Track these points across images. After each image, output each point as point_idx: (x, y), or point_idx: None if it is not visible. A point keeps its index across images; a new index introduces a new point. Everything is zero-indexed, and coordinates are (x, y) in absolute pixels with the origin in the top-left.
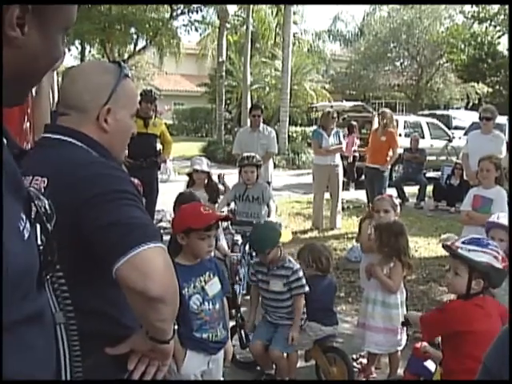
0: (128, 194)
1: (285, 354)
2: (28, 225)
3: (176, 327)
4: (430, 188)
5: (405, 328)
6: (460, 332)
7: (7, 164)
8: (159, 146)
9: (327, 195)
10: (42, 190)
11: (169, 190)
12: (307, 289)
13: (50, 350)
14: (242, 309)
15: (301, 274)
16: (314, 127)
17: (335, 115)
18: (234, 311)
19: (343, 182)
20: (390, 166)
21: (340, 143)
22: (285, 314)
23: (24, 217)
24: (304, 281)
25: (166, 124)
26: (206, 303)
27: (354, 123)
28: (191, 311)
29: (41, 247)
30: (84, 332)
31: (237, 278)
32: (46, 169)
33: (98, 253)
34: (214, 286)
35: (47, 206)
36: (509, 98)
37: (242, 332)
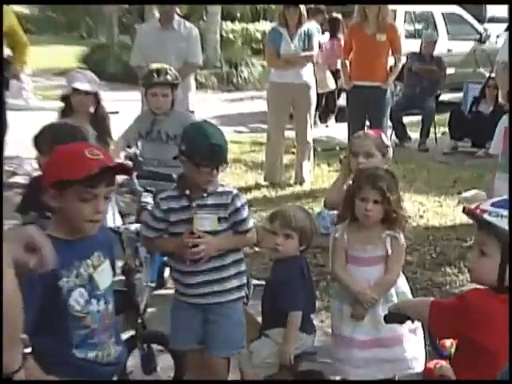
0: None
1: None
2: None
3: (27, 350)
4: (443, 118)
5: (419, 336)
6: (474, 341)
7: None
8: (7, 52)
9: (288, 133)
10: None
11: (27, 124)
12: (252, 223)
13: None
14: (150, 310)
15: (244, 200)
16: (267, 23)
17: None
18: (133, 314)
19: (319, 112)
20: (393, 84)
21: (310, 48)
22: (227, 281)
23: None
24: (248, 211)
25: (17, 14)
26: (95, 301)
27: (339, 17)
28: (71, 314)
29: None
30: None
31: (136, 262)
32: None
33: None
34: (105, 274)
35: None
36: (509, 97)
37: (146, 346)
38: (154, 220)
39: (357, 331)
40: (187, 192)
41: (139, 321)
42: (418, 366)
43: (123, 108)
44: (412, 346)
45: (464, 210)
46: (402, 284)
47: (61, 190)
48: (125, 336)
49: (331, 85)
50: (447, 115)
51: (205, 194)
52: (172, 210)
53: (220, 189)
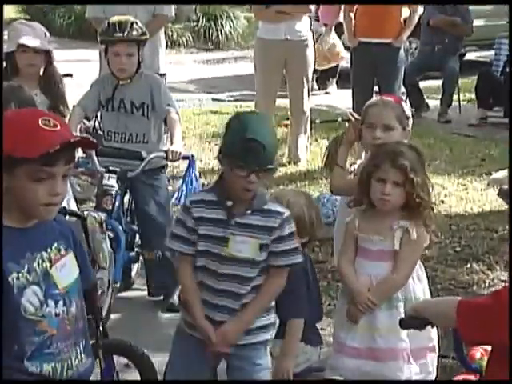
0: None
1: None
2: None
3: None
4: (469, 82)
5: (427, 359)
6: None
7: None
8: None
9: (281, 102)
10: None
11: None
12: (301, 258)
13: None
14: (113, 316)
15: (293, 226)
16: None
17: None
18: (91, 318)
19: (317, 76)
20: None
21: None
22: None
23: None
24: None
25: None
26: (52, 302)
27: None
28: (24, 316)
29: None
30: None
31: (100, 256)
32: None
33: None
34: (67, 271)
35: None
36: (509, 97)
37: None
38: (186, 230)
39: (350, 337)
40: (229, 203)
41: (100, 328)
42: None
43: (77, 70)
44: (410, 368)
45: (500, 193)
46: (418, 290)
47: (10, 167)
48: None
49: (344, 54)
50: (474, 78)
51: (249, 211)
52: (204, 220)
53: (267, 206)
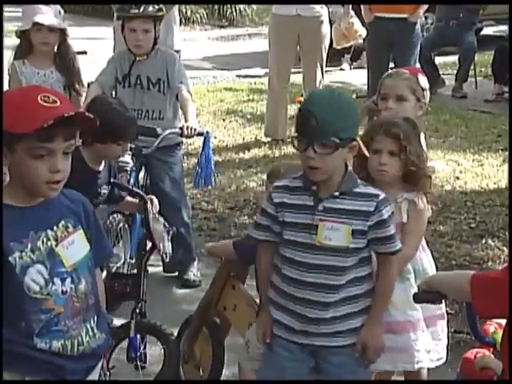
0: None
1: None
2: None
3: None
4: (485, 57)
5: (443, 322)
6: None
7: None
8: None
9: (295, 78)
10: None
11: None
12: (400, 245)
13: None
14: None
15: (392, 208)
16: None
17: None
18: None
19: (332, 52)
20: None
21: None
22: (355, 317)
23: None
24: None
25: None
26: (58, 280)
27: None
28: (28, 295)
29: None
30: None
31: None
32: None
33: None
34: (75, 248)
35: None
36: (509, 94)
37: (138, 336)
38: (266, 217)
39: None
40: (314, 188)
41: (138, 310)
42: (429, 361)
43: (91, 48)
44: (424, 336)
45: None
46: (424, 260)
47: (10, 144)
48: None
49: (362, 32)
50: (491, 53)
51: (336, 193)
52: (286, 205)
53: (358, 189)
